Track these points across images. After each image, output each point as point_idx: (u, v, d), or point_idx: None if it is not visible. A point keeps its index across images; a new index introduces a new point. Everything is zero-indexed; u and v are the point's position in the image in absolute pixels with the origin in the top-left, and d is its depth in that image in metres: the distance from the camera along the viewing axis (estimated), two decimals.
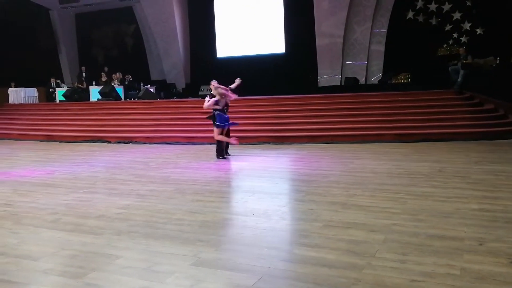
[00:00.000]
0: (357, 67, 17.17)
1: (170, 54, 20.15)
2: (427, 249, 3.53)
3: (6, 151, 11.50)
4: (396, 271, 3.13)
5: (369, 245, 3.67)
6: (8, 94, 19.12)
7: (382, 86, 15.49)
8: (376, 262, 3.31)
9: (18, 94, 18.95)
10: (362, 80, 16.87)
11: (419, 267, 3.18)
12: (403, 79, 16.19)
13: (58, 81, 20.06)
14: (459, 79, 13.17)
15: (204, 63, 19.80)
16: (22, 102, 18.74)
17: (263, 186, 6.27)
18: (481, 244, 3.62)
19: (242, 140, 11.63)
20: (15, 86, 19.21)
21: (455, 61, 13.83)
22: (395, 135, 10.92)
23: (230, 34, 19.50)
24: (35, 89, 19.42)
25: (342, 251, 3.55)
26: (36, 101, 19.24)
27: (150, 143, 12.30)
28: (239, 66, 18.52)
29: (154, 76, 20.84)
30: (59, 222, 4.66)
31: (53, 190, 6.34)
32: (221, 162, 9.01)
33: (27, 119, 16.55)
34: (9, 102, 18.96)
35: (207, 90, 15.15)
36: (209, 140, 11.85)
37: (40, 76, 20.15)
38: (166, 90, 18.87)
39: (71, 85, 19.62)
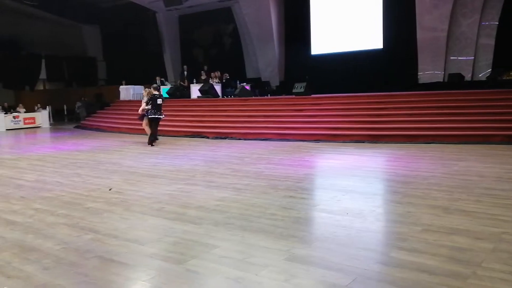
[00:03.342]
0: (462, 62, 15.96)
1: (265, 52, 20.50)
2: None
3: (117, 144, 12.62)
4: (507, 284, 2.88)
5: (474, 253, 3.42)
6: (119, 91, 20.95)
7: (491, 83, 14.20)
8: (483, 272, 3.07)
9: (127, 92, 20.67)
10: (468, 77, 15.64)
11: None
12: None
13: (163, 79, 21.43)
14: None
15: (298, 60, 19.82)
16: (131, 99, 20.38)
17: (357, 185, 6.13)
18: None
19: (335, 138, 11.50)
20: (125, 84, 20.95)
21: None
22: (505, 137, 9.96)
23: (325, 31, 19.28)
24: (143, 86, 21.00)
25: (444, 258, 3.35)
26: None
27: (245, 139, 12.65)
28: (334, 63, 18.28)
29: (249, 74, 21.35)
30: (163, 211, 5.01)
31: (158, 180, 6.83)
32: (314, 159, 9.01)
33: (135, 114, 17.90)
34: (120, 99, 20.74)
35: (301, 87, 15.17)
36: (302, 137, 11.89)
37: (147, 75, 21.74)
38: (260, 87, 19.23)
39: (174, 83, 20.86)
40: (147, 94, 12.06)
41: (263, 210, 4.90)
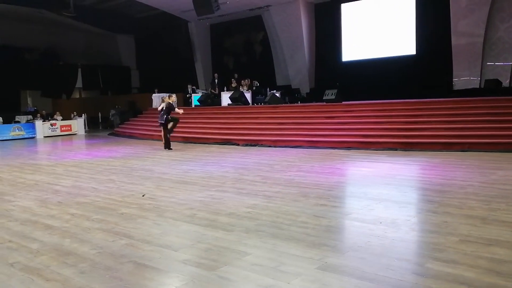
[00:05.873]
0: (500, 68, 15.48)
1: (295, 59, 20.49)
2: None
3: (150, 150, 12.86)
4: None
5: None
6: (152, 99, 21.36)
7: None
8: None
9: (160, 99, 21.00)
10: (505, 83, 15.15)
11: None
12: None
13: (194, 87, 21.73)
14: None
15: (329, 67, 19.73)
16: None
17: (391, 194, 6.01)
18: None
19: (367, 146, 11.33)
20: (158, 92, 21.35)
21: None
22: None
23: (356, 37, 19.10)
24: (175, 94, 21.34)
25: (483, 270, 3.24)
26: (175, 105, 21.12)
27: (275, 146, 12.64)
28: (365, 70, 18.09)
29: (279, 81, 21.38)
30: (195, 217, 5.06)
31: (189, 187, 6.90)
32: (345, 167, 8.91)
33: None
34: (153, 107, 21.13)
35: (332, 94, 15.05)
36: (333, 145, 11.78)
37: (179, 83, 22.10)
38: (290, 95, 19.21)
39: (205, 91, 21.12)
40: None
41: (294, 218, 4.87)
